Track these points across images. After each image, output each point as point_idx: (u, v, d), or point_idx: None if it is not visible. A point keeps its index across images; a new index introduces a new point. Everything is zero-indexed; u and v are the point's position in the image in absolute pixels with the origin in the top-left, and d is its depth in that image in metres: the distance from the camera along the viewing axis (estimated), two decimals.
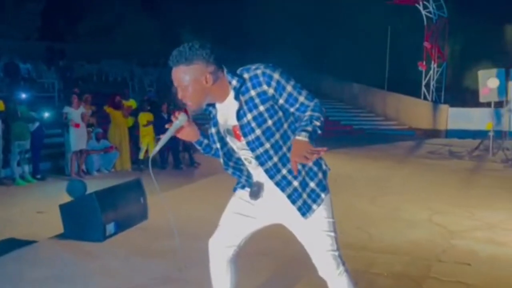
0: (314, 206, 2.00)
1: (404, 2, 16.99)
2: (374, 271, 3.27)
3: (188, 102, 1.90)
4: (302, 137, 1.80)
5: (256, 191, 2.07)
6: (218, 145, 2.06)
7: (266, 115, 1.89)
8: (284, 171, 1.95)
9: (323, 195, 2.01)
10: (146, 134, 9.22)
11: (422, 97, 16.61)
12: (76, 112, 8.01)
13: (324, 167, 2.06)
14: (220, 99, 1.94)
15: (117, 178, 8.05)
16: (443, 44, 16.61)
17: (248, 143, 1.93)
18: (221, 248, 2.16)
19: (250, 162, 2.03)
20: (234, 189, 2.24)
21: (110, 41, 23.37)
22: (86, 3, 23.87)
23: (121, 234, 4.16)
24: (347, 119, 17.67)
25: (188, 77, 1.85)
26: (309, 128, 1.84)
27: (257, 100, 1.88)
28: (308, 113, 1.90)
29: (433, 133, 15.33)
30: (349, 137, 14.25)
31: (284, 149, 1.93)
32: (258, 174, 2.06)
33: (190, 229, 3.95)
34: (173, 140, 8.53)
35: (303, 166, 1.98)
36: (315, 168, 2.02)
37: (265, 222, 2.15)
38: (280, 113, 1.92)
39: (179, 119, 1.98)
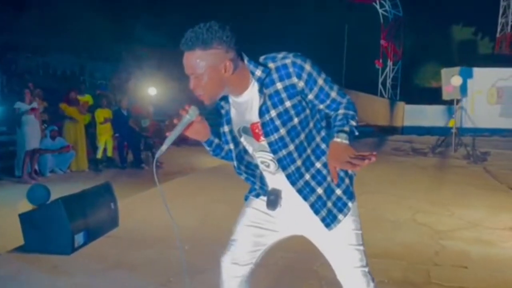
0: (340, 216, 1.75)
1: (361, 1, 17.23)
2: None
3: (200, 93, 1.62)
4: (342, 139, 1.58)
5: (274, 200, 1.79)
6: (232, 146, 1.78)
7: (292, 112, 1.64)
8: (307, 176, 1.71)
9: (350, 204, 1.76)
10: (103, 132, 8.70)
11: (379, 94, 16.96)
12: (28, 108, 7.32)
13: (350, 171, 1.81)
14: (237, 91, 1.67)
15: (73, 179, 7.53)
16: (398, 43, 16.99)
17: (270, 144, 1.67)
18: (236, 267, 1.87)
19: (268, 166, 1.76)
20: (246, 198, 1.95)
21: (59, 34, 22.11)
22: None
23: (90, 245, 3.75)
24: None
25: (204, 63, 1.56)
26: (347, 129, 1.62)
27: (283, 95, 1.62)
28: (342, 111, 1.68)
29: (391, 130, 15.67)
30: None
31: (308, 151, 1.70)
32: (274, 180, 1.79)
33: (165, 236, 3.65)
34: (133, 136, 7.99)
35: (329, 171, 1.71)
36: (341, 173, 1.76)
37: (284, 234, 1.88)
38: (308, 110, 1.67)
39: (190, 113, 1.67)
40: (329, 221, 1.74)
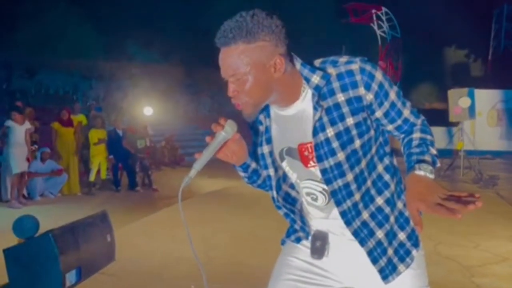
0: (401, 267, 1.40)
1: (359, 21, 17.19)
2: None
3: (243, 100, 1.27)
4: (426, 172, 1.22)
5: (320, 247, 1.42)
6: (272, 172, 1.42)
7: (354, 132, 1.29)
8: (365, 215, 1.35)
9: (414, 252, 1.42)
10: (97, 154, 8.29)
11: None
12: (20, 128, 6.89)
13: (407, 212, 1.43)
14: (285, 101, 1.31)
15: (65, 204, 7.10)
16: (396, 64, 16.92)
17: (323, 172, 1.32)
18: None
19: (315, 199, 1.41)
20: (283, 242, 1.57)
21: (51, 52, 21.85)
22: (26, 12, 22.25)
23: (84, 284, 3.32)
24: None
25: (249, 60, 1.21)
26: (428, 158, 1.27)
27: (345, 109, 1.27)
28: (418, 134, 1.34)
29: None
30: None
31: (369, 183, 1.35)
32: (320, 218, 1.43)
33: (165, 273, 3.26)
34: (127, 157, 7.49)
35: (392, 209, 1.38)
36: (406, 213, 1.40)
37: None
38: (372, 132, 1.32)
39: (226, 129, 1.31)
40: (388, 272, 1.38)
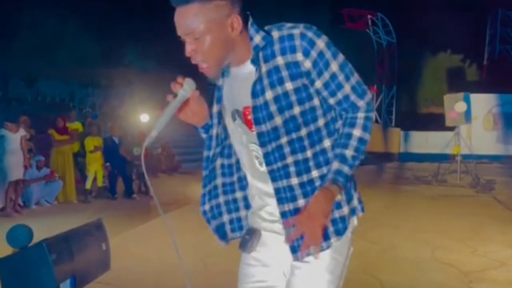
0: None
1: (355, 27, 17.26)
2: None
3: (202, 60, 1.25)
4: (334, 188, 1.24)
5: (247, 240, 1.41)
6: (214, 132, 1.39)
7: (294, 97, 1.25)
8: (295, 180, 1.30)
9: (333, 239, 1.31)
10: (93, 161, 8.25)
11: (374, 120, 16.79)
12: (14, 136, 6.86)
13: (355, 202, 1.37)
14: (238, 59, 1.28)
15: (60, 212, 7.05)
16: (392, 69, 16.98)
17: (259, 135, 1.29)
18: None
19: (261, 164, 1.35)
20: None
21: (48, 60, 21.86)
22: (23, 19, 22.28)
23: None
24: None
25: (205, 18, 1.19)
26: (346, 168, 1.26)
27: (284, 73, 1.24)
28: (356, 130, 1.29)
29: (387, 156, 15.42)
30: None
31: (308, 153, 1.29)
32: (263, 186, 1.37)
33: (162, 281, 3.22)
34: (124, 164, 7.40)
35: (323, 179, 1.31)
36: (342, 198, 1.31)
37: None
38: (316, 101, 1.27)
39: (184, 88, 1.29)
40: (296, 245, 1.30)
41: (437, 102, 17.16)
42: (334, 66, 1.25)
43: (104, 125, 11.99)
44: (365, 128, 1.30)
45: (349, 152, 1.27)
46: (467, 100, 9.13)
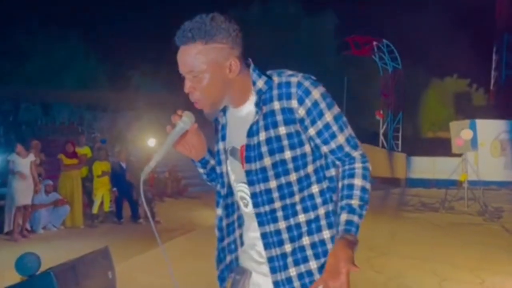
0: None
1: (361, 53, 17.45)
2: None
3: (199, 98, 1.31)
4: (350, 237, 1.22)
5: (238, 280, 1.43)
6: (224, 169, 1.43)
7: (286, 142, 1.30)
8: (282, 225, 1.32)
9: None
10: (100, 186, 8.33)
11: (380, 145, 16.77)
12: (24, 161, 6.95)
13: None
14: (238, 101, 1.35)
15: (67, 236, 7.07)
16: (398, 94, 17.06)
17: (247, 173, 1.33)
18: None
19: (246, 205, 1.40)
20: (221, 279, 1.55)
21: (58, 84, 22.22)
22: (34, 44, 22.77)
23: None
24: None
25: (206, 59, 1.26)
26: (355, 218, 1.26)
27: (279, 117, 1.30)
28: (357, 180, 1.29)
29: (393, 182, 15.34)
30: None
31: (296, 198, 1.32)
32: (252, 230, 1.40)
33: None
34: (131, 189, 7.42)
35: (311, 232, 1.32)
36: (328, 246, 1.32)
37: None
38: (307, 148, 1.32)
39: (183, 120, 1.34)
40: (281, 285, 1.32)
41: (444, 127, 17.15)
42: (328, 116, 1.29)
43: (111, 149, 12.11)
44: (364, 177, 1.31)
45: (355, 202, 1.28)
46: (473, 127, 9.15)
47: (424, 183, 13.87)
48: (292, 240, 1.31)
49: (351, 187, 1.29)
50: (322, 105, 1.28)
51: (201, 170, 1.52)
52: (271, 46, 25.13)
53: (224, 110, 1.41)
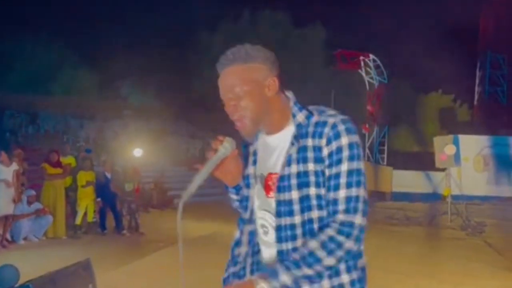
0: None
1: (347, 67, 17.66)
2: None
3: (240, 117, 1.34)
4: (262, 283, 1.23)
5: None
6: (249, 193, 1.44)
7: (312, 179, 1.30)
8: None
9: None
10: (84, 196, 8.23)
11: (366, 159, 16.87)
12: (7, 170, 6.83)
13: (360, 263, 1.35)
14: (273, 127, 1.37)
15: (49, 247, 6.94)
16: (384, 108, 17.26)
17: (277, 203, 1.34)
18: None
19: (266, 233, 1.40)
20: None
21: (44, 92, 21.99)
22: (19, 51, 22.56)
23: None
24: None
25: (245, 77, 1.32)
26: (285, 278, 1.24)
27: (310, 154, 1.30)
28: (314, 243, 1.25)
29: (378, 195, 15.42)
30: None
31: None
32: (269, 259, 1.39)
33: None
34: (114, 200, 7.33)
35: (331, 277, 1.30)
36: (344, 280, 1.31)
37: None
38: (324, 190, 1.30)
39: (225, 145, 1.36)
40: None
41: (429, 142, 17.38)
42: (344, 166, 1.26)
43: (97, 159, 11.99)
44: (324, 247, 1.24)
45: (298, 266, 1.25)
46: (456, 143, 9.29)
47: (409, 197, 13.98)
48: (311, 282, 1.29)
49: (305, 245, 1.27)
50: (345, 153, 1.26)
51: (234, 197, 1.51)
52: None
53: (256, 136, 1.42)
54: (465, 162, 14.15)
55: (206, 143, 21.25)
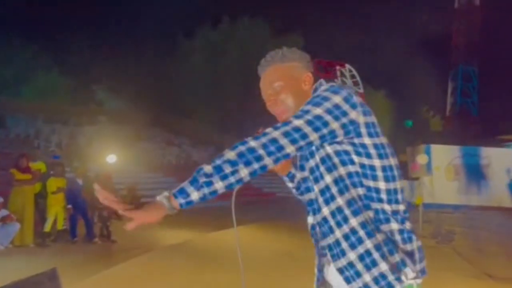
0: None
1: (324, 76, 17.79)
2: None
3: (280, 109, 1.48)
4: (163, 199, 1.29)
5: None
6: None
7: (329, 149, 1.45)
8: (338, 234, 1.41)
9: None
10: (54, 203, 8.03)
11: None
12: None
13: (413, 238, 1.48)
14: None
15: (14, 256, 6.72)
16: None
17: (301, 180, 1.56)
18: None
19: (308, 213, 1.56)
20: None
21: (14, 95, 21.45)
22: None
23: None
24: (270, 187, 17.48)
25: (283, 74, 1.50)
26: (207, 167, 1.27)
27: None
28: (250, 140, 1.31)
29: None
30: (275, 206, 13.91)
31: (340, 201, 1.42)
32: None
33: None
34: (86, 207, 7.17)
35: (365, 227, 1.38)
36: (397, 237, 1.42)
37: None
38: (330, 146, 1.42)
39: None
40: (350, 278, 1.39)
41: (403, 151, 17.70)
42: (314, 99, 1.38)
43: (69, 165, 11.73)
44: (263, 136, 1.30)
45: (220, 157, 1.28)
46: (428, 152, 9.48)
47: None
48: (352, 247, 1.39)
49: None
50: (317, 98, 1.37)
51: (290, 184, 1.69)
52: (238, 64, 25.36)
53: None
54: (437, 171, 14.47)
55: (183, 150, 21.12)
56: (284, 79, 1.48)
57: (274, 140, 1.28)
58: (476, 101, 32.15)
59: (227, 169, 1.24)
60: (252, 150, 1.26)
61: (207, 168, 1.25)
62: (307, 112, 1.34)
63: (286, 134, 1.29)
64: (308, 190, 1.44)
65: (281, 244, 7.58)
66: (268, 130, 1.32)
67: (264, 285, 4.94)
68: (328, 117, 1.33)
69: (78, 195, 8.19)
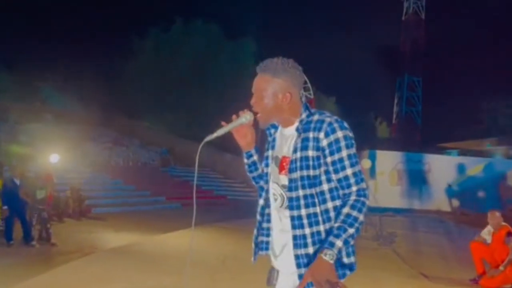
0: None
1: None
2: None
3: (258, 111, 1.84)
4: (328, 257, 1.65)
5: (268, 276, 1.91)
6: (270, 170, 1.92)
7: (311, 162, 1.76)
8: (307, 231, 1.77)
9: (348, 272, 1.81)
10: None
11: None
12: None
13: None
14: (285, 123, 1.88)
15: None
16: None
17: (289, 180, 1.80)
18: None
19: (275, 200, 1.89)
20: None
21: None
22: None
23: None
24: (221, 189, 17.43)
25: (269, 87, 1.81)
26: (339, 243, 1.67)
27: (311, 143, 1.76)
28: (347, 209, 1.70)
29: None
30: (226, 209, 13.85)
31: (317, 209, 1.77)
32: (278, 222, 1.88)
33: None
34: (23, 208, 6.91)
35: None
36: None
37: None
38: (322, 169, 1.76)
39: (246, 116, 1.85)
40: (301, 261, 1.76)
41: None
42: (344, 153, 1.72)
43: (8, 164, 11.14)
44: (353, 207, 1.69)
45: (336, 225, 1.69)
46: (372, 158, 9.82)
47: None
48: (313, 244, 1.76)
49: (339, 214, 1.70)
50: (342, 143, 1.72)
51: (245, 161, 1.99)
52: (192, 66, 25.15)
53: (276, 127, 1.94)
54: (381, 176, 15.00)
55: (131, 151, 20.62)
56: (268, 90, 1.79)
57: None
58: (420, 110, 33.68)
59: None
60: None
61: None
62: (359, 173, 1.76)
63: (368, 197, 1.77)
64: (296, 189, 1.77)
65: (227, 246, 7.57)
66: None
67: (208, 286, 4.93)
68: None
69: (15, 195, 7.78)
